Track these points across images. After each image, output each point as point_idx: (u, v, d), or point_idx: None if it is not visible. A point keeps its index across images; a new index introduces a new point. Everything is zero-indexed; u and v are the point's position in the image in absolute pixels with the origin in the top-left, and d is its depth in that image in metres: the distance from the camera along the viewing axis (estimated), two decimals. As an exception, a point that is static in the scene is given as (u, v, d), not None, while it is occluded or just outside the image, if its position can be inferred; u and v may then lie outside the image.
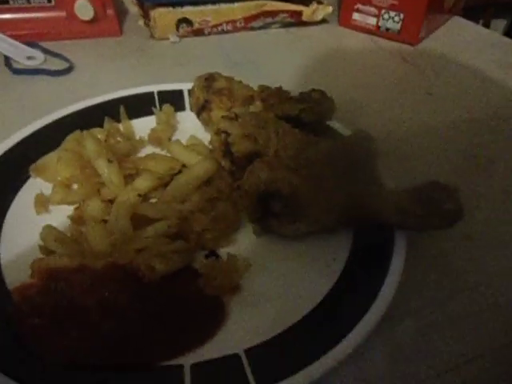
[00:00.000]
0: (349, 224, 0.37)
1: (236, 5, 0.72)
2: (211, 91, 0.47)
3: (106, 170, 0.38)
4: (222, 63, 0.57)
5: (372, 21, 0.76)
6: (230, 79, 0.48)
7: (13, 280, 0.32)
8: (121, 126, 0.49)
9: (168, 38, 0.71)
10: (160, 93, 0.53)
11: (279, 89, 0.49)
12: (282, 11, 0.75)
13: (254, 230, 0.39)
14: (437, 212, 0.34)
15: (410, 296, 0.35)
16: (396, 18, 0.73)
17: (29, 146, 0.43)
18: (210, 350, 0.29)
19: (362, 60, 0.71)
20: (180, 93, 0.53)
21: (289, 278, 0.35)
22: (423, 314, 0.34)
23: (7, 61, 0.60)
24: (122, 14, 0.77)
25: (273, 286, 0.34)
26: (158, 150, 0.46)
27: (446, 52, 0.73)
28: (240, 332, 0.31)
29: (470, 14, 0.93)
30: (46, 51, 0.64)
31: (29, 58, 0.62)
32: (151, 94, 0.53)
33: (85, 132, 0.42)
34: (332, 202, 0.35)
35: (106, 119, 0.48)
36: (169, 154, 0.44)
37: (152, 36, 0.71)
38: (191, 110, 0.51)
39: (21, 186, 0.40)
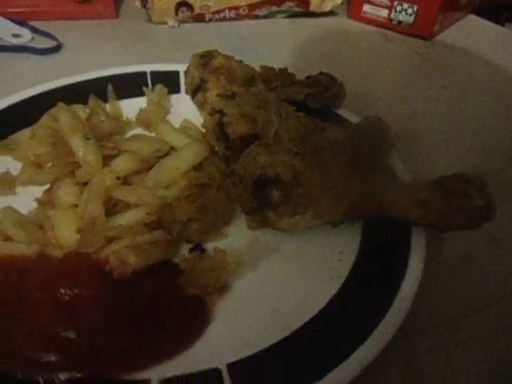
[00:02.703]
0: (358, 218, 0.32)
1: None
2: (208, 70, 0.42)
3: (82, 148, 0.34)
4: (222, 51, 0.52)
5: (384, 13, 0.72)
6: (229, 58, 0.44)
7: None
8: (107, 106, 0.44)
9: (166, 23, 0.66)
10: (153, 73, 0.48)
11: (284, 70, 0.44)
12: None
13: (249, 223, 0.34)
14: (463, 208, 0.28)
15: (430, 307, 0.30)
16: (409, 11, 0.69)
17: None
18: (185, 363, 0.24)
19: (373, 53, 0.67)
20: (176, 74, 0.48)
21: (285, 280, 0.30)
22: (444, 330, 0.29)
23: None
24: None
25: (266, 289, 0.29)
26: (146, 134, 0.41)
27: (460, 48, 0.69)
28: (224, 342, 0.25)
29: (484, 16, 0.88)
30: (34, 30, 0.60)
31: (15, 35, 0.58)
32: (144, 73, 0.48)
33: (59, 104, 0.37)
34: (340, 192, 0.30)
35: (91, 96, 0.43)
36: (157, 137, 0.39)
37: (149, 20, 0.67)
38: (186, 92, 0.46)
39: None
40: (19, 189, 0.35)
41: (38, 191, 0.34)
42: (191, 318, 0.26)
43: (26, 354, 0.23)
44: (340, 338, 0.25)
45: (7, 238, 0.29)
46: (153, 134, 0.41)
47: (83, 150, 0.34)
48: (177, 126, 0.41)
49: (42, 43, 0.58)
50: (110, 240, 0.28)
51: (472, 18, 0.82)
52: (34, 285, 0.25)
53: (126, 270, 0.27)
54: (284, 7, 0.71)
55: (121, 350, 0.23)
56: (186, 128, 0.41)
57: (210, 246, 0.32)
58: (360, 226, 0.33)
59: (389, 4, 0.70)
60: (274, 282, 0.30)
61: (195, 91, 0.43)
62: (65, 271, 0.26)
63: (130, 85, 0.47)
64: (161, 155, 0.36)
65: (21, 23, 0.60)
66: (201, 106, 0.43)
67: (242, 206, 0.33)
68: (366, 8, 0.73)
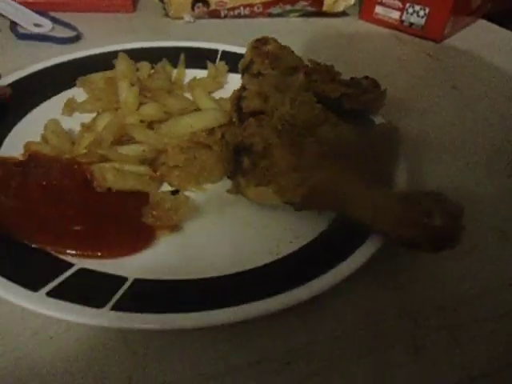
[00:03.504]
0: (318, 207, 0.32)
1: None
2: (258, 53, 0.46)
3: (125, 92, 0.40)
4: (236, 47, 0.53)
5: (395, 15, 0.72)
6: (282, 46, 0.47)
7: (7, 151, 0.37)
8: (175, 71, 0.51)
9: (182, 18, 0.69)
10: (224, 52, 0.54)
11: (329, 67, 0.45)
12: None
13: (231, 187, 0.36)
14: (417, 222, 0.26)
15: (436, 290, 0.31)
16: (421, 13, 0.70)
17: (82, 64, 0.48)
18: (107, 264, 0.28)
19: (384, 53, 0.68)
20: (241, 56, 0.53)
21: (232, 238, 0.32)
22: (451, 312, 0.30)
23: (13, 26, 0.59)
24: None
25: (211, 239, 0.32)
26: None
27: (470, 51, 0.70)
28: (145, 264, 0.29)
29: (496, 21, 0.84)
30: (54, 20, 0.62)
31: (36, 25, 0.60)
32: (216, 51, 0.54)
33: (120, 54, 0.44)
34: (304, 176, 0.31)
35: (164, 59, 0.50)
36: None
37: (166, 14, 0.70)
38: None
39: (63, 90, 0.45)
40: (76, 114, 0.43)
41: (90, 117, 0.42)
42: (136, 235, 0.31)
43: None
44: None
45: (46, 142, 0.38)
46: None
47: (125, 94, 0.41)
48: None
49: (62, 33, 0.60)
50: (105, 160, 0.34)
51: (482, 22, 0.82)
52: (41, 174, 0.33)
53: (104, 185, 0.32)
54: (298, 6, 0.73)
55: (73, 232, 0.29)
56: (222, 99, 0.45)
57: (188, 193, 0.35)
58: (327, 219, 0.33)
59: (401, 6, 0.71)
60: (221, 237, 0.32)
61: (244, 71, 0.47)
62: (64, 169, 0.33)
63: (201, 58, 0.53)
64: (185, 113, 0.41)
65: (42, 13, 0.63)
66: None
67: (225, 168, 0.36)
68: (378, 9, 0.74)
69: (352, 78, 0.45)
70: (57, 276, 0.26)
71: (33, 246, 0.28)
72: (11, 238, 0.28)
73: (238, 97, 0.39)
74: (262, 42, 0.47)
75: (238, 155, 0.33)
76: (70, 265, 0.27)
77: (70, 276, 0.26)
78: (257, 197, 0.33)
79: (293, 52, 0.47)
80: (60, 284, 0.25)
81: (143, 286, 0.26)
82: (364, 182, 0.31)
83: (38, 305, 0.23)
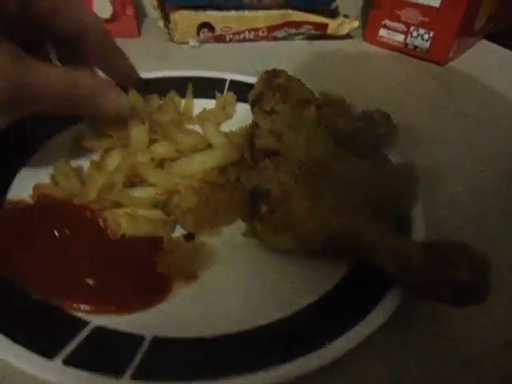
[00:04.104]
0: (338, 255, 0.31)
1: (260, 13, 0.69)
2: (269, 86, 0.45)
3: (135, 129, 0.40)
4: (243, 71, 0.54)
5: (400, 37, 0.73)
6: (293, 79, 0.46)
7: (16, 193, 0.36)
8: (183, 102, 0.50)
9: (188, 43, 0.68)
10: (232, 81, 0.53)
11: (340, 100, 0.44)
12: (307, 23, 0.72)
13: (246, 231, 0.35)
14: (442, 274, 0.26)
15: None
16: (425, 36, 0.70)
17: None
18: (123, 320, 0.27)
19: (389, 76, 0.68)
20: (250, 86, 0.53)
21: (250, 286, 0.31)
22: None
23: None
24: (140, 16, 0.74)
25: (228, 289, 0.31)
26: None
27: (474, 73, 0.70)
28: (166, 318, 0.28)
29: (496, 40, 0.86)
30: None
31: None
32: (223, 80, 0.53)
33: (131, 91, 0.44)
34: (323, 223, 0.30)
35: (172, 91, 0.50)
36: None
37: (171, 39, 0.70)
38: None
39: (70, 124, 0.44)
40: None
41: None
42: (152, 286, 0.30)
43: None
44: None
45: (55, 183, 0.37)
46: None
47: (135, 132, 0.40)
48: (228, 129, 0.46)
49: None
50: (117, 205, 0.34)
51: (484, 43, 0.83)
52: (51, 219, 0.32)
53: (118, 232, 0.31)
54: (302, 30, 0.73)
55: (82, 286, 0.28)
56: (232, 133, 0.44)
57: (203, 238, 0.35)
58: (346, 265, 0.32)
59: (405, 29, 0.71)
60: (239, 285, 0.31)
61: (254, 103, 0.47)
62: (76, 216, 0.32)
63: (209, 87, 0.52)
64: (197, 150, 0.40)
65: None
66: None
67: (240, 212, 0.35)
68: (382, 32, 0.74)
69: (364, 112, 0.44)
70: (73, 337, 0.25)
71: (44, 300, 0.27)
72: (20, 292, 0.27)
73: (251, 134, 0.39)
74: (272, 74, 0.46)
75: (255, 200, 0.32)
76: (85, 323, 0.26)
77: (85, 337, 0.25)
78: (273, 242, 0.32)
79: (303, 84, 0.46)
80: (76, 348, 0.24)
81: (162, 346, 0.25)
82: (384, 226, 0.30)
83: (55, 375, 0.22)
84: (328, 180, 0.33)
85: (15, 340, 0.24)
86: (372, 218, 0.30)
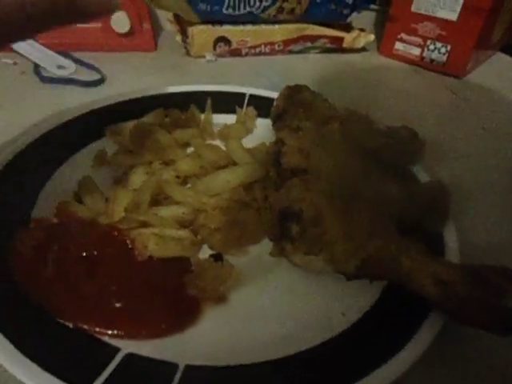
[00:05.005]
0: (373, 278, 0.30)
1: (277, 27, 0.69)
2: (291, 102, 0.45)
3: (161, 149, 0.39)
4: (260, 85, 0.54)
5: (416, 51, 0.72)
6: (315, 94, 0.46)
7: (40, 212, 0.35)
8: (202, 116, 0.50)
9: (204, 57, 0.69)
10: (251, 96, 0.53)
11: (364, 116, 0.44)
12: (323, 36, 0.72)
13: (273, 250, 0.35)
14: (489, 303, 0.25)
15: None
16: (442, 50, 0.69)
17: (112, 112, 0.47)
18: (154, 347, 0.26)
19: (406, 89, 0.67)
20: (270, 101, 0.52)
21: (280, 308, 0.31)
22: None
23: (36, 68, 0.59)
24: (157, 30, 0.75)
25: (259, 311, 0.30)
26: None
27: (492, 86, 0.69)
28: (197, 344, 0.27)
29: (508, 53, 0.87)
30: (77, 61, 0.62)
31: (59, 67, 0.60)
32: (243, 95, 0.53)
33: (156, 111, 0.44)
34: (358, 247, 0.29)
35: (192, 106, 0.49)
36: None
37: (188, 53, 0.70)
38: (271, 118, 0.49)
39: (93, 141, 0.44)
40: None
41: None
42: (181, 310, 0.29)
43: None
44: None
45: (80, 201, 0.36)
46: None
47: (161, 151, 0.39)
48: (250, 146, 0.45)
49: (85, 75, 0.60)
50: (144, 224, 0.33)
51: (500, 55, 0.83)
52: (77, 241, 0.31)
53: (145, 254, 0.31)
54: (318, 43, 0.73)
55: (112, 310, 0.27)
56: (255, 149, 0.44)
57: (230, 258, 0.34)
58: (380, 287, 0.31)
59: (421, 43, 0.71)
60: (269, 308, 0.31)
61: (276, 119, 0.46)
62: (104, 237, 0.31)
63: (228, 102, 0.52)
64: (220, 166, 0.40)
65: (65, 55, 0.62)
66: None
67: (268, 232, 0.34)
68: (398, 46, 0.74)
69: (389, 127, 0.44)
70: (106, 365, 0.24)
71: (74, 326, 0.26)
72: (49, 317, 0.27)
73: (277, 152, 0.38)
74: (294, 90, 0.46)
75: (285, 221, 0.31)
76: (116, 349, 0.25)
77: (118, 365, 0.24)
78: (304, 263, 0.32)
79: (326, 99, 0.46)
80: (110, 377, 0.23)
81: (196, 375, 0.25)
82: (421, 250, 0.29)
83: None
84: (360, 200, 0.33)
85: (47, 368, 0.23)
86: (408, 241, 0.30)
